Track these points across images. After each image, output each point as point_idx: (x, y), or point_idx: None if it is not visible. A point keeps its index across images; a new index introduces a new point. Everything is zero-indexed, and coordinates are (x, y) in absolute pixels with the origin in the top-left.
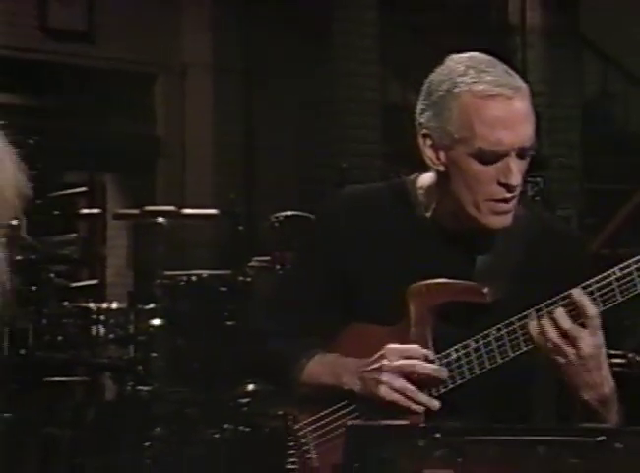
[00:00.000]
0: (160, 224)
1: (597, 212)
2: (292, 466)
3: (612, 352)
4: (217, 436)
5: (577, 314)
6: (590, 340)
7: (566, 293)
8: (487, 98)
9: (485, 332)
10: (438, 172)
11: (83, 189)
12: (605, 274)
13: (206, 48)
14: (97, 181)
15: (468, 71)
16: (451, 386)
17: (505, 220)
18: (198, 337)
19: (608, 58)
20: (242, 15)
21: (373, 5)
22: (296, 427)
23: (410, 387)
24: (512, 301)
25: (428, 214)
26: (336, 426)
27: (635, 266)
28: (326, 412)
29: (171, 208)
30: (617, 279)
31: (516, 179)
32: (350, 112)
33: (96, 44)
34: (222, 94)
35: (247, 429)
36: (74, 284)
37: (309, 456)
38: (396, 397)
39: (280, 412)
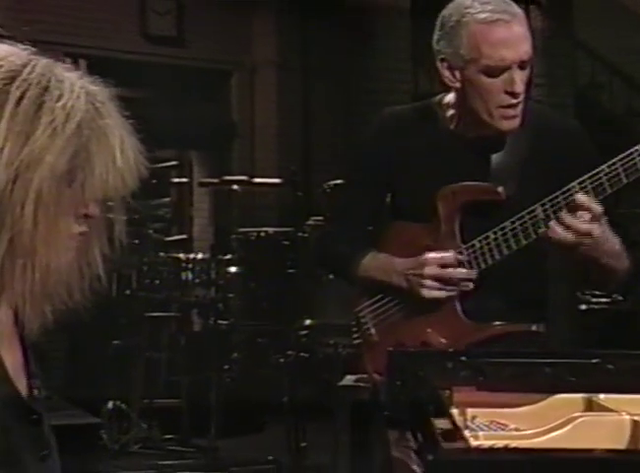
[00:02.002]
0: (234, 190)
1: None
2: (357, 342)
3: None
4: (281, 360)
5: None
6: (598, 225)
7: (569, 191)
8: (490, 23)
9: (502, 225)
10: (456, 90)
11: (174, 163)
12: (596, 171)
13: (272, 50)
14: (185, 157)
15: (473, 4)
16: (477, 270)
17: (514, 123)
18: (266, 281)
19: (596, 55)
20: (302, 22)
21: (407, 15)
22: (357, 309)
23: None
24: (522, 195)
25: (452, 126)
26: (390, 307)
27: (620, 163)
28: (382, 297)
29: (244, 178)
30: (606, 174)
31: (519, 87)
32: (388, 101)
33: (185, 47)
34: (284, 86)
35: (306, 354)
36: (167, 238)
37: (370, 333)
38: (436, 295)
39: (331, 342)
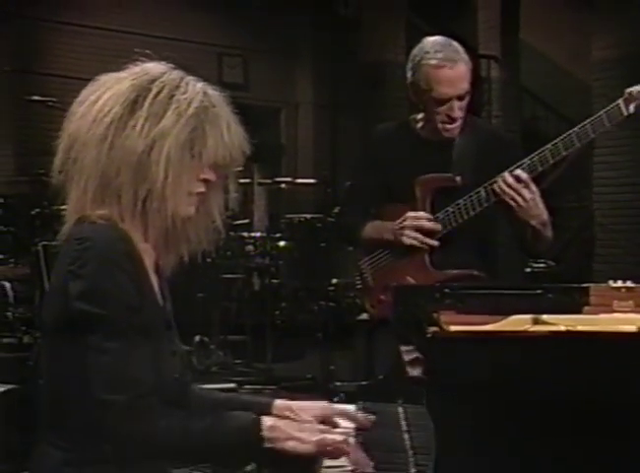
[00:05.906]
0: (283, 188)
1: None
2: (358, 286)
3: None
4: (316, 308)
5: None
6: (526, 191)
7: (502, 177)
8: (438, 67)
9: (456, 202)
10: (420, 108)
11: (241, 169)
12: (522, 161)
13: (309, 92)
14: (249, 166)
15: (430, 50)
16: (442, 233)
17: (452, 133)
18: (305, 252)
19: (536, 97)
20: (331, 72)
21: (404, 67)
22: (359, 263)
23: (419, 236)
24: (474, 182)
25: (423, 134)
26: (382, 260)
27: (537, 156)
28: (376, 253)
29: (289, 179)
30: (528, 165)
31: (456, 114)
32: None
33: (249, 91)
34: (318, 118)
35: (333, 304)
36: (236, 222)
37: (367, 278)
38: (412, 241)
39: (351, 295)
